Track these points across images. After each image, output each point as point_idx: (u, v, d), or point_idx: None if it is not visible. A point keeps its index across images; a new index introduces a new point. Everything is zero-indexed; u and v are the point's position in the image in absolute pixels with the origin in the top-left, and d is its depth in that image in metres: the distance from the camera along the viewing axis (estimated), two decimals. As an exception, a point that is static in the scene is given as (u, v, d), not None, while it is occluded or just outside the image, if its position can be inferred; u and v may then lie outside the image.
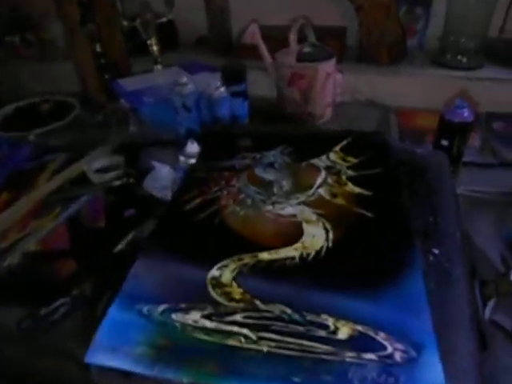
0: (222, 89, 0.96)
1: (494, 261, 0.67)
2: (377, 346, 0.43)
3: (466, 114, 0.87)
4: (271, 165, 0.69)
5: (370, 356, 0.42)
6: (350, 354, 0.43)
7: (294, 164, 0.70)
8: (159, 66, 1.19)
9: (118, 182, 0.91)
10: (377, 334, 0.44)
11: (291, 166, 0.69)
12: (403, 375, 0.41)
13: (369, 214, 0.59)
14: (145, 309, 0.47)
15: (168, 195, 0.85)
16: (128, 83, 1.10)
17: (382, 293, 0.48)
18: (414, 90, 1.19)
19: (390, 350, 0.43)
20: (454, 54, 1.22)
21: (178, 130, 1.00)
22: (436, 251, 0.55)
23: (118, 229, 0.76)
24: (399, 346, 0.43)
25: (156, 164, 0.90)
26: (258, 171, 0.68)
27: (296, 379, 0.41)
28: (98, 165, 0.96)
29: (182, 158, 0.76)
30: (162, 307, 0.47)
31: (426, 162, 0.70)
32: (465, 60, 1.21)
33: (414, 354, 0.43)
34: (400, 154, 0.72)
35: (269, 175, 0.67)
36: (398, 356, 0.42)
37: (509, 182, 0.87)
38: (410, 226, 0.57)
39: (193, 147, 0.75)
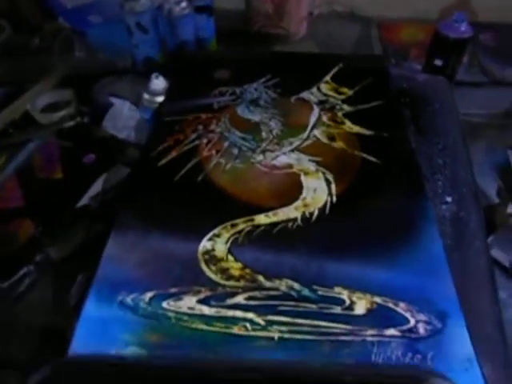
0: (184, 3, 0.80)
1: (489, 191, 0.63)
2: (398, 319, 0.39)
3: (464, 28, 0.77)
4: (255, 102, 0.59)
5: (392, 332, 0.38)
6: (370, 331, 0.38)
7: (281, 99, 0.59)
8: (101, -28, 0.98)
9: (71, 123, 0.78)
10: (397, 305, 0.40)
11: (278, 101, 0.59)
12: (430, 351, 0.37)
13: (373, 159, 0.52)
14: (128, 299, 0.39)
15: (131, 136, 0.74)
16: (66, -3, 0.90)
17: (397, 255, 0.43)
18: (397, -1, 1.06)
19: (412, 322, 0.39)
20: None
21: (133, 55, 0.85)
22: (449, 199, 0.49)
23: (78, 179, 0.65)
24: (422, 316, 0.39)
25: (114, 100, 0.77)
26: (241, 111, 0.57)
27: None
28: (44, 102, 0.82)
29: (146, 96, 0.63)
30: (149, 295, 0.39)
31: (428, 90, 0.62)
32: (453, -37, 1.07)
33: (438, 324, 0.38)
34: (398, 80, 0.63)
35: (254, 115, 0.57)
36: (421, 329, 0.38)
37: (500, 102, 0.81)
38: (419, 171, 0.51)
39: (158, 83, 0.62)
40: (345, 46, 1.00)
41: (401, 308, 0.39)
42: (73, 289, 0.44)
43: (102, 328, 0.37)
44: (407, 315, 0.39)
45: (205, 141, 0.53)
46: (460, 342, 0.38)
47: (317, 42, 1.03)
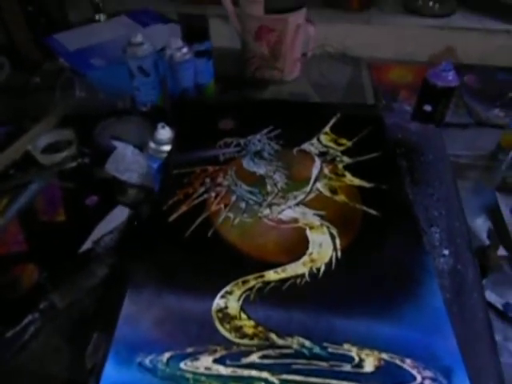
0: (185, 49, 0.83)
1: (479, 233, 0.66)
2: (405, 376, 0.41)
3: (451, 77, 0.82)
4: (259, 154, 0.61)
5: (401, 389, 0.40)
6: (380, 389, 0.40)
7: (284, 151, 0.62)
8: (102, 15, 1.01)
9: (72, 164, 0.79)
10: (403, 361, 0.42)
11: (281, 153, 0.62)
12: (437, 408, 0.39)
13: (374, 212, 0.54)
14: (147, 360, 0.40)
15: (133, 178, 0.76)
16: (68, 39, 0.92)
17: (401, 310, 0.45)
18: (385, 41, 1.12)
19: (419, 379, 0.41)
20: (425, 0, 1.15)
21: (134, 97, 0.88)
22: (446, 252, 0.52)
23: (80, 221, 0.66)
24: (428, 373, 0.41)
25: (117, 143, 0.79)
26: (247, 163, 0.60)
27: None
28: (44, 142, 0.83)
29: (152, 145, 0.65)
30: (166, 355, 0.41)
31: (421, 140, 0.65)
32: (437, 6, 1.14)
33: (444, 381, 0.41)
34: (393, 130, 0.67)
35: (259, 168, 0.59)
36: (427, 386, 0.40)
37: (486, 143, 0.86)
38: (418, 224, 0.54)
39: (164, 133, 0.64)
40: (337, 86, 1.04)
41: (407, 364, 0.41)
42: (88, 349, 0.45)
43: (122, 392, 0.38)
44: (414, 372, 0.41)
45: (213, 194, 0.55)
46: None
47: (310, 82, 1.07)
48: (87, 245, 0.65)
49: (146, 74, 0.84)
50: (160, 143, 0.65)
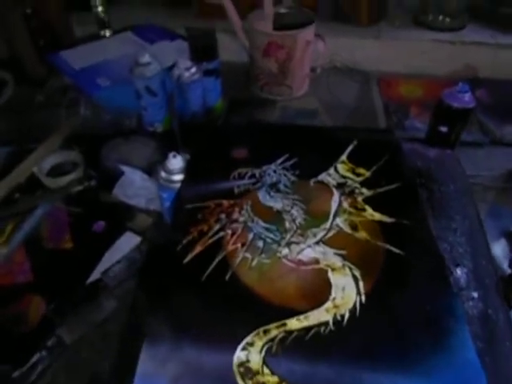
0: (194, 69, 0.81)
1: (498, 259, 0.64)
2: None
3: (468, 98, 0.80)
4: (275, 186, 0.59)
5: None
6: None
7: (300, 183, 0.60)
8: (108, 32, 0.98)
9: (79, 187, 0.77)
10: (436, 420, 0.39)
11: (298, 185, 0.59)
12: None
13: (397, 251, 0.52)
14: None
15: (141, 203, 0.73)
16: (73, 57, 0.90)
17: (430, 362, 0.43)
18: (395, 55, 1.10)
19: None
20: (436, 14, 1.12)
21: (141, 117, 0.85)
22: (475, 294, 0.50)
23: (88, 248, 0.64)
24: (462, 433, 0.39)
25: (125, 168, 0.76)
26: (263, 197, 0.57)
27: None
28: (50, 163, 0.80)
29: (163, 175, 0.63)
30: (187, 417, 0.38)
31: (440, 168, 0.63)
32: (448, 20, 1.12)
33: None
34: (411, 157, 0.65)
35: (276, 202, 0.57)
36: None
37: (502, 162, 0.83)
38: (444, 264, 0.51)
39: (176, 162, 0.62)
40: (346, 102, 1.02)
41: (440, 424, 0.39)
42: None
43: None
44: (447, 432, 0.39)
45: (229, 232, 0.53)
46: None
47: (319, 98, 1.04)
48: (95, 275, 0.62)
49: (153, 94, 0.82)
50: (171, 173, 0.63)
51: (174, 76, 0.81)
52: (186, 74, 0.80)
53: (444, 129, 0.82)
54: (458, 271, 0.51)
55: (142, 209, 0.73)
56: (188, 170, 0.60)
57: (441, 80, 1.03)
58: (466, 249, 0.54)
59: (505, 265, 0.64)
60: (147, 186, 0.74)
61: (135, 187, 0.75)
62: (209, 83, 0.86)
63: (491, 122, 0.95)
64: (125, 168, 0.76)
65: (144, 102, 0.82)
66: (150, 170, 0.76)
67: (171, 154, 0.63)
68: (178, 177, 0.64)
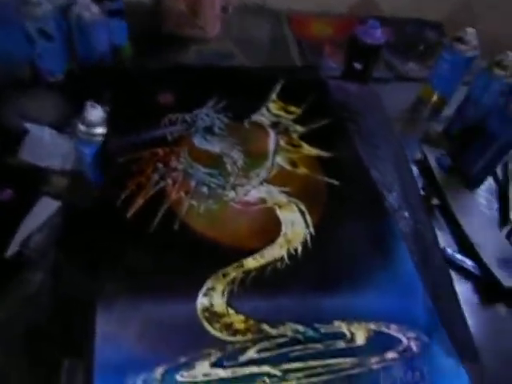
0: (95, 8, 0.72)
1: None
2: (393, 341, 0.43)
3: (379, 34, 0.83)
4: (210, 130, 0.56)
5: (392, 355, 0.42)
6: (373, 359, 0.41)
7: (234, 125, 0.58)
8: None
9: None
10: (389, 328, 0.44)
11: (233, 127, 0.58)
12: (425, 366, 0.42)
13: (336, 182, 0.54)
14: (139, 381, 0.36)
15: (55, 164, 0.66)
16: None
17: (378, 278, 0.47)
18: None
19: (405, 341, 0.43)
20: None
21: (38, 65, 0.75)
22: (406, 214, 0.54)
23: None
24: (411, 334, 0.43)
25: (29, 126, 0.67)
26: (199, 142, 0.55)
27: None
28: None
29: (82, 128, 0.57)
30: (159, 371, 0.37)
31: (362, 102, 0.66)
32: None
33: (425, 338, 0.43)
34: (336, 93, 0.66)
35: (213, 146, 0.55)
36: (414, 346, 0.43)
37: (406, 95, 0.89)
38: (378, 191, 0.55)
39: (96, 113, 0.56)
40: (261, 42, 0.99)
41: (393, 330, 0.43)
42: (62, 380, 0.39)
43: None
44: (400, 336, 0.43)
45: (170, 181, 0.50)
46: (446, 352, 0.43)
47: (233, 39, 1.01)
48: (14, 247, 0.56)
49: (49, 38, 0.71)
50: (91, 125, 0.57)
51: (73, 16, 0.71)
52: (87, 14, 0.71)
53: (358, 65, 0.85)
54: (391, 196, 0.55)
55: (56, 170, 0.65)
56: (110, 120, 0.55)
57: (348, 18, 1.05)
58: (394, 175, 0.58)
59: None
60: (58, 143, 0.67)
61: (44, 146, 0.67)
62: (114, 24, 0.78)
63: (395, 59, 1.00)
64: (29, 125, 0.67)
65: (39, 47, 0.71)
66: (59, 126, 0.68)
67: (89, 104, 0.57)
68: (100, 129, 0.58)
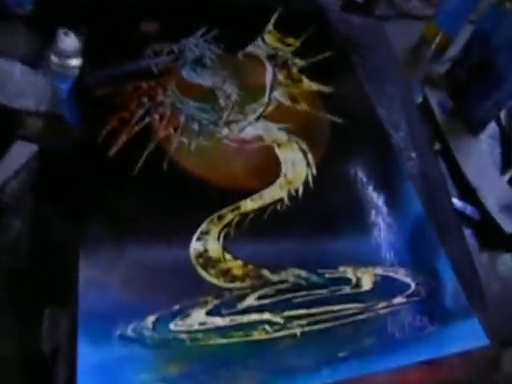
0: None
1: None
2: (401, 286, 0.40)
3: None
4: (200, 61, 0.51)
5: (399, 299, 0.39)
6: (380, 304, 0.39)
7: (227, 56, 0.52)
8: None
9: None
10: (396, 272, 0.41)
11: (225, 59, 0.52)
12: (434, 310, 0.39)
13: (339, 120, 0.50)
14: (129, 330, 0.33)
15: (29, 104, 0.60)
16: None
17: (384, 221, 0.44)
18: None
19: (413, 286, 0.40)
20: None
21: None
22: (413, 154, 0.50)
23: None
24: (419, 278, 0.41)
25: (-5, 61, 0.60)
26: (187, 74, 0.49)
27: (342, 354, 0.35)
28: None
29: (54, 59, 0.50)
30: (150, 319, 0.34)
31: (369, 36, 0.60)
32: None
33: (433, 282, 0.41)
34: (338, 25, 0.60)
35: (204, 79, 0.49)
36: (422, 290, 0.40)
37: (409, 34, 0.83)
38: (384, 128, 0.51)
39: (70, 42, 0.49)
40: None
41: (400, 274, 0.41)
42: (43, 330, 0.35)
43: (109, 374, 0.31)
44: (407, 280, 0.41)
45: (157, 117, 0.45)
46: (455, 295, 0.41)
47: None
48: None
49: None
50: (65, 56, 0.50)
51: None
52: None
53: (360, -1, 0.78)
54: (397, 135, 0.51)
55: (31, 111, 0.59)
56: (87, 50, 0.49)
57: None
58: (401, 113, 0.53)
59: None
60: (31, 80, 0.60)
61: (16, 84, 0.60)
62: None
63: (397, -4, 0.93)
64: (-4, 60, 0.60)
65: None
66: (31, 61, 0.60)
67: (61, 32, 0.50)
68: (75, 61, 0.51)
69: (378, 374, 0.35)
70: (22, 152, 0.55)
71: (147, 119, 0.44)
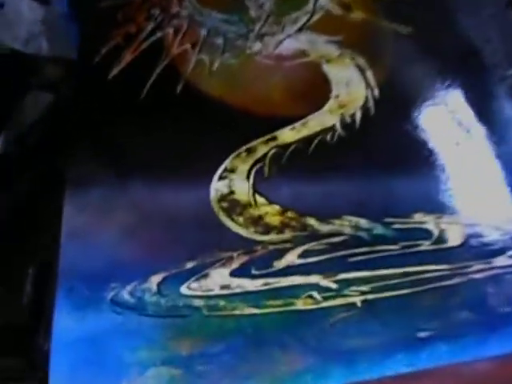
0: None
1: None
2: (498, 244, 0.28)
3: None
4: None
5: (503, 260, 0.28)
6: (476, 266, 0.27)
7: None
8: None
9: None
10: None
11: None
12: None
13: (406, 30, 0.37)
14: (124, 293, 0.24)
15: (44, 47, 0.52)
16: None
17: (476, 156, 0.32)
18: None
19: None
20: None
21: None
22: (509, 72, 0.37)
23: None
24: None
25: (2, -4, 0.53)
26: (209, -20, 0.39)
27: (423, 334, 0.25)
28: None
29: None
30: (155, 280, 0.25)
31: None
32: None
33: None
34: None
35: (230, -14, 0.39)
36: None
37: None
38: (468, 38, 0.38)
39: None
40: None
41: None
42: (24, 294, 0.28)
43: (95, 351, 0.23)
44: (506, 238, 0.29)
45: (170, 31, 0.35)
46: None
47: None
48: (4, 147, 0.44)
49: None
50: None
51: None
52: None
53: None
54: (487, 47, 0.38)
55: (45, 56, 0.51)
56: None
57: None
58: (492, 20, 0.40)
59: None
60: (43, 15, 0.52)
61: (26, 22, 0.52)
62: None
63: None
64: (3, -5, 0.52)
65: None
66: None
67: None
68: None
69: (474, 362, 0.25)
70: (37, 104, 0.48)
71: (158, 34, 0.35)
